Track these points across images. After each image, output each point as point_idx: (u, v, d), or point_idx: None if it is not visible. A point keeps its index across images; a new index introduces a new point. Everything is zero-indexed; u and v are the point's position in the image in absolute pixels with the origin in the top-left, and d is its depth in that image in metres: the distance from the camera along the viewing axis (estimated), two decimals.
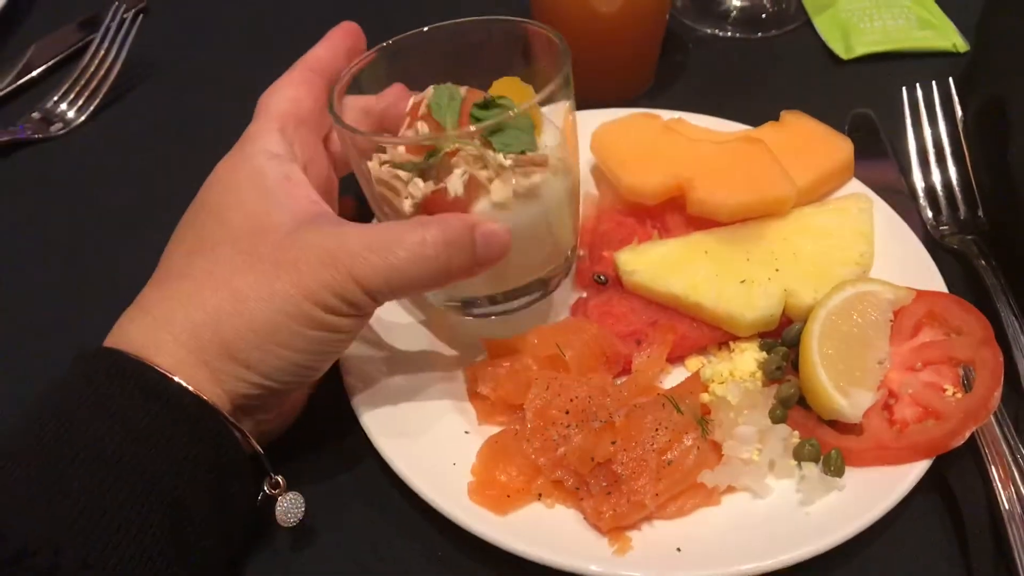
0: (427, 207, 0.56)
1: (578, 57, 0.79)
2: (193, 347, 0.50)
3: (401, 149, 0.57)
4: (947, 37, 0.88)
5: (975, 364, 0.58)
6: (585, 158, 0.71)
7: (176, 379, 0.49)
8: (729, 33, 0.90)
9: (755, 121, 0.76)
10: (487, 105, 0.57)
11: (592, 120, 0.73)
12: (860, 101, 0.82)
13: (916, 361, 0.60)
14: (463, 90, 0.58)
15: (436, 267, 0.52)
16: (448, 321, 0.65)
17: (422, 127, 0.58)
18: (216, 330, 0.50)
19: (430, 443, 0.57)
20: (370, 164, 0.58)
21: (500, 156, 0.55)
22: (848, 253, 0.66)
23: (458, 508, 0.54)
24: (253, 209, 0.53)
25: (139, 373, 0.49)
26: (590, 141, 0.73)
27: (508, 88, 0.59)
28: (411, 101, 0.60)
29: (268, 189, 0.54)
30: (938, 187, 0.74)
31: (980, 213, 0.72)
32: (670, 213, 0.70)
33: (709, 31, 0.91)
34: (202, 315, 0.50)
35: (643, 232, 0.70)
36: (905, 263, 0.66)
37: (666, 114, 0.75)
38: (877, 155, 0.77)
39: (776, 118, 0.76)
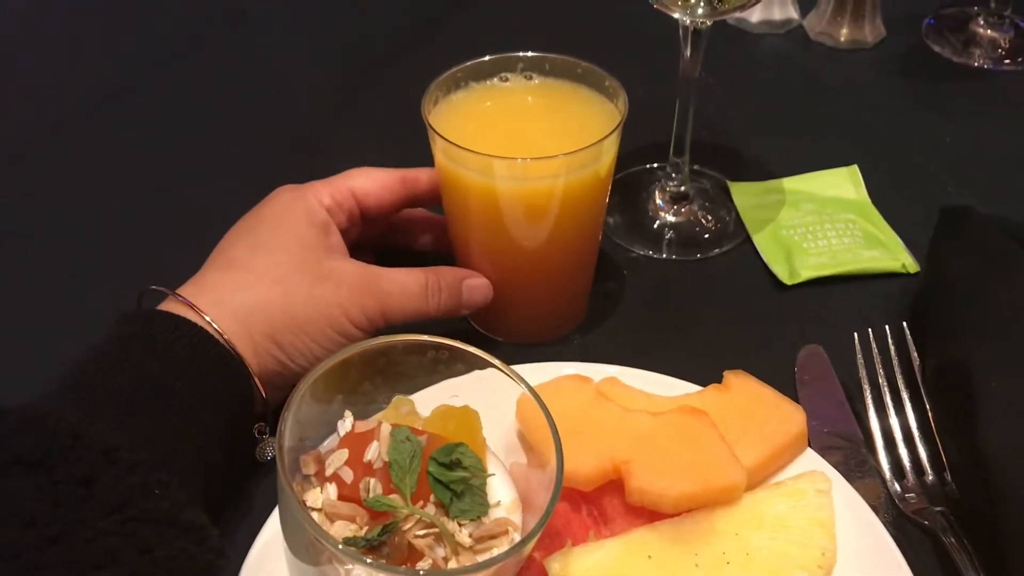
0: None
1: (505, 296, 0.74)
2: (245, 323, 0.63)
3: (333, 494, 0.51)
4: (896, 256, 0.83)
5: None
6: (509, 423, 0.64)
7: (226, 338, 0.62)
8: (664, 255, 0.85)
9: (695, 365, 0.70)
10: (449, 464, 0.52)
11: (516, 380, 0.66)
12: (808, 331, 0.77)
13: None
14: (423, 439, 0.53)
15: (432, 306, 0.70)
16: None
17: (375, 486, 0.51)
18: (267, 314, 0.64)
19: None
20: (308, 496, 0.52)
21: (461, 532, 0.51)
22: (808, 551, 0.59)
23: None
24: (305, 233, 0.68)
25: (196, 331, 0.62)
26: (515, 408, 0.65)
27: (452, 422, 0.55)
28: (351, 424, 0.55)
29: (317, 225, 0.69)
30: (901, 448, 0.67)
31: (949, 478, 0.66)
32: (608, 496, 0.62)
33: (643, 252, 0.85)
34: (258, 301, 0.64)
35: (578, 523, 0.62)
36: (871, 560, 0.59)
37: (598, 371, 0.68)
38: (829, 402, 0.71)
39: (717, 359, 0.70)
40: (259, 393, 0.65)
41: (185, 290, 0.65)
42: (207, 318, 0.62)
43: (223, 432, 0.62)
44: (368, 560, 0.48)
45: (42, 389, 0.57)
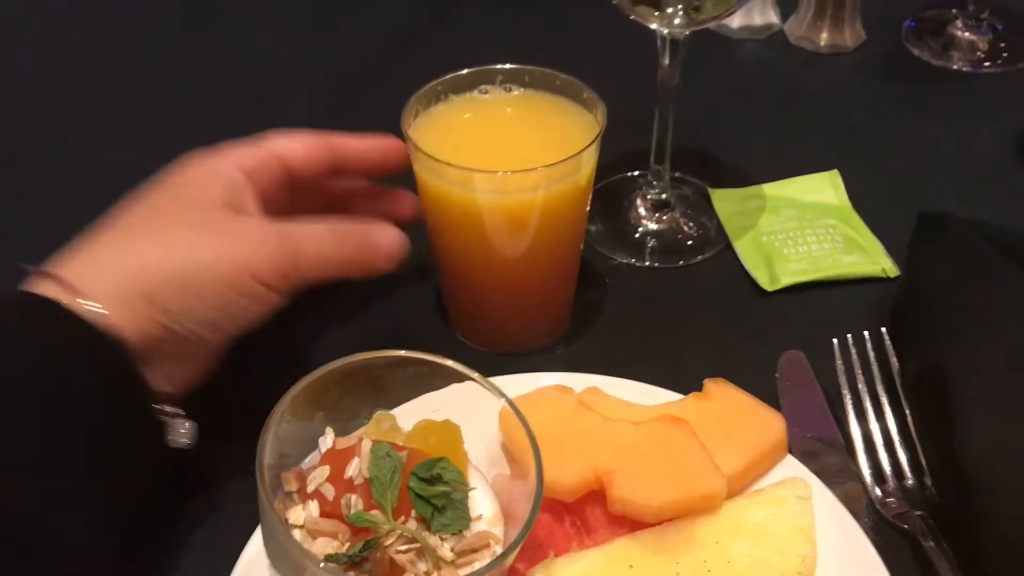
0: None
1: (488, 306, 0.74)
2: (118, 286, 0.56)
3: (314, 511, 0.52)
4: (876, 261, 0.83)
5: None
6: (492, 435, 0.64)
7: (87, 305, 0.55)
8: (647, 263, 0.85)
9: (678, 373, 0.70)
10: (430, 479, 0.53)
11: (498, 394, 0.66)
12: (789, 337, 0.77)
13: None
14: (403, 455, 0.54)
15: (347, 251, 0.65)
16: None
17: (356, 502, 0.52)
18: (144, 273, 0.57)
19: None
20: (290, 513, 0.52)
21: (443, 546, 0.51)
22: (788, 557, 0.59)
23: None
24: (209, 194, 0.62)
25: (54, 312, 0.55)
26: (498, 419, 0.65)
27: (433, 436, 0.56)
28: (332, 441, 0.56)
29: (227, 185, 0.63)
30: (881, 452, 0.68)
31: (928, 482, 0.66)
32: (590, 506, 0.63)
33: (625, 260, 0.85)
34: (132, 259, 0.58)
35: (561, 533, 0.62)
36: (851, 566, 0.59)
37: (580, 381, 0.69)
38: (811, 408, 0.71)
39: (701, 369, 0.70)
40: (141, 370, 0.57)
41: (57, 265, 0.58)
42: (72, 299, 0.55)
43: (108, 426, 0.55)
44: None
45: None
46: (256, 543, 0.59)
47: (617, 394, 0.69)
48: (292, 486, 0.53)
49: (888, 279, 0.82)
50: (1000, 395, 0.64)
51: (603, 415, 0.66)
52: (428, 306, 0.81)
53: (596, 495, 0.63)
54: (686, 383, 0.69)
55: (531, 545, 0.61)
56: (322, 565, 0.48)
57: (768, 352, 0.75)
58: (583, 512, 0.63)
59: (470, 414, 0.60)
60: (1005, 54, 1.10)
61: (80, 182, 0.95)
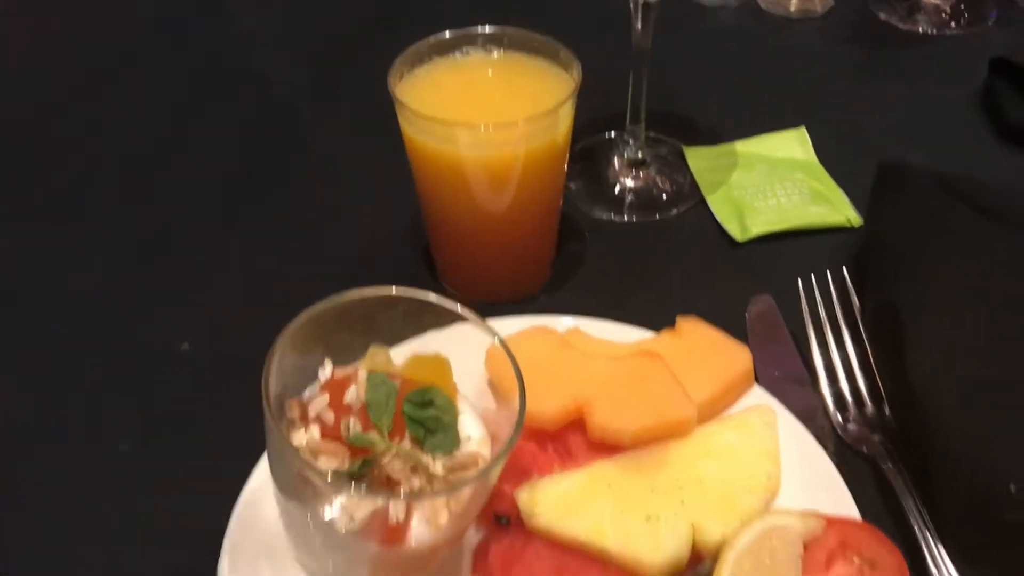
0: (363, 528, 0.54)
1: (473, 258, 0.78)
2: None
3: (316, 434, 0.56)
4: (841, 211, 0.88)
5: None
6: (480, 373, 0.69)
7: None
8: (625, 218, 0.89)
9: (655, 316, 0.75)
10: (422, 404, 0.57)
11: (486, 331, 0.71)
12: (759, 283, 0.82)
13: None
14: (397, 383, 0.58)
15: None
16: None
17: (355, 424, 0.56)
18: None
19: None
20: (293, 438, 0.56)
21: (435, 463, 0.55)
22: (755, 476, 0.64)
23: None
24: None
25: None
26: (485, 358, 0.70)
27: (424, 369, 0.59)
28: (330, 371, 0.59)
29: None
30: (842, 382, 0.73)
31: (886, 409, 0.71)
32: (572, 435, 0.67)
33: (604, 216, 0.90)
34: None
35: (544, 459, 0.67)
36: (814, 483, 0.64)
37: (563, 322, 0.73)
38: (778, 346, 0.76)
39: (675, 313, 0.74)
40: None
41: None
42: None
43: None
44: (353, 487, 0.53)
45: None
46: (258, 477, 0.63)
47: (596, 334, 0.73)
48: (295, 413, 0.58)
49: (852, 228, 0.87)
50: (951, 329, 0.69)
51: (584, 352, 0.70)
52: (416, 259, 0.85)
53: (577, 424, 0.67)
54: (661, 325, 0.74)
55: (517, 470, 0.66)
56: (328, 477, 0.52)
57: (739, 297, 0.80)
58: (565, 440, 0.67)
59: (459, 353, 0.64)
60: (967, 15, 1.14)
61: (61, 162, 0.99)
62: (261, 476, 0.63)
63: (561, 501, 0.62)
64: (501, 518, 0.64)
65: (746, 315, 0.78)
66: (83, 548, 0.66)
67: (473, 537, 0.64)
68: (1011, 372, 0.64)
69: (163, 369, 0.77)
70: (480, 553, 0.63)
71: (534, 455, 0.67)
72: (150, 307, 0.82)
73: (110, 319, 0.81)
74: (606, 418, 0.65)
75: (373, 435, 0.56)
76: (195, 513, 0.64)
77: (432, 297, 0.62)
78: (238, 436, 0.66)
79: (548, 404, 0.66)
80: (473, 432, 0.60)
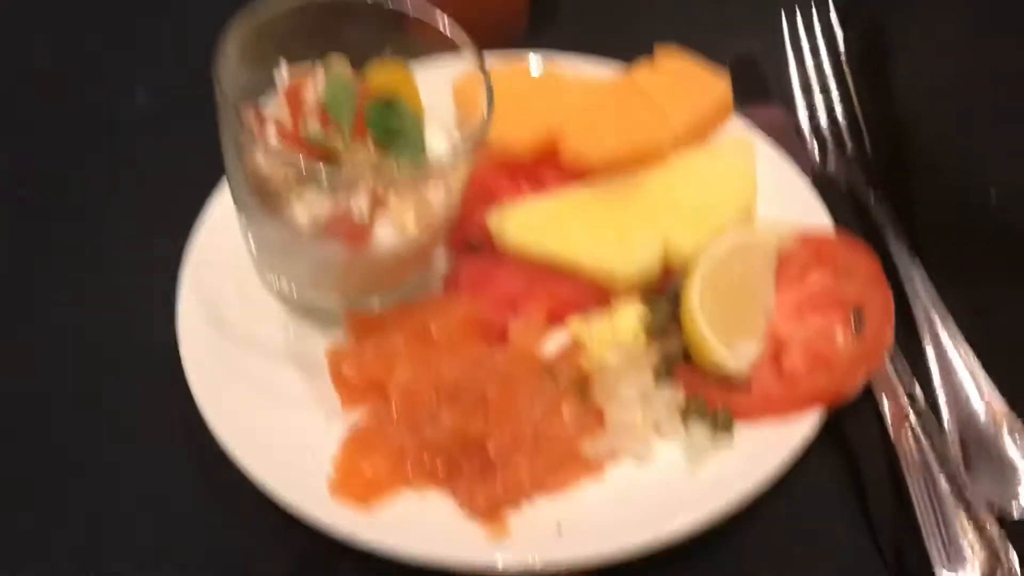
0: (328, 225, 0.52)
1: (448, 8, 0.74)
2: None
3: (273, 139, 0.53)
4: None
5: (864, 305, 0.55)
6: (449, 111, 0.66)
7: None
8: None
9: (634, 56, 0.71)
10: (384, 107, 0.54)
11: (455, 70, 0.68)
12: (742, 28, 0.78)
13: (805, 307, 0.57)
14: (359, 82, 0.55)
15: None
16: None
17: (314, 124, 0.53)
18: None
19: (285, 436, 0.52)
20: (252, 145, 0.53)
21: (398, 169, 0.53)
22: (729, 197, 0.62)
23: (317, 507, 0.49)
24: None
25: None
26: (452, 93, 0.67)
27: (388, 78, 0.56)
28: (286, 78, 0.56)
29: None
30: (823, 122, 0.71)
31: (867, 147, 0.69)
32: (544, 167, 0.65)
33: None
34: None
35: (516, 190, 0.65)
36: (789, 202, 0.63)
37: (538, 59, 0.71)
38: (760, 91, 0.74)
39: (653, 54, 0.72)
40: None
41: None
42: None
43: None
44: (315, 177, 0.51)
45: None
46: (223, 199, 0.61)
47: (572, 71, 0.70)
48: (251, 119, 0.55)
49: None
50: (940, 55, 0.66)
51: (558, 85, 0.68)
52: None
53: (550, 156, 0.65)
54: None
55: (487, 198, 0.64)
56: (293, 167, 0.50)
57: (723, 44, 0.75)
58: (537, 172, 0.65)
59: (428, 84, 0.61)
60: None
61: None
62: (221, 206, 0.61)
63: (533, 221, 0.61)
64: (472, 244, 0.62)
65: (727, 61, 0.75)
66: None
67: (444, 267, 0.63)
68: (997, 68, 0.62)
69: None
70: (452, 277, 0.62)
71: (506, 188, 0.65)
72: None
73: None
74: (579, 141, 0.63)
75: (333, 134, 0.54)
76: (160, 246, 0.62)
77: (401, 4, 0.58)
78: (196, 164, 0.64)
79: (520, 132, 0.64)
80: (440, 148, 0.57)
